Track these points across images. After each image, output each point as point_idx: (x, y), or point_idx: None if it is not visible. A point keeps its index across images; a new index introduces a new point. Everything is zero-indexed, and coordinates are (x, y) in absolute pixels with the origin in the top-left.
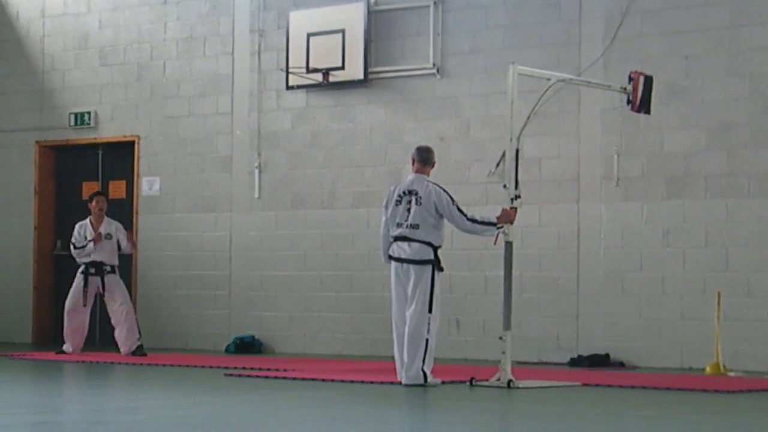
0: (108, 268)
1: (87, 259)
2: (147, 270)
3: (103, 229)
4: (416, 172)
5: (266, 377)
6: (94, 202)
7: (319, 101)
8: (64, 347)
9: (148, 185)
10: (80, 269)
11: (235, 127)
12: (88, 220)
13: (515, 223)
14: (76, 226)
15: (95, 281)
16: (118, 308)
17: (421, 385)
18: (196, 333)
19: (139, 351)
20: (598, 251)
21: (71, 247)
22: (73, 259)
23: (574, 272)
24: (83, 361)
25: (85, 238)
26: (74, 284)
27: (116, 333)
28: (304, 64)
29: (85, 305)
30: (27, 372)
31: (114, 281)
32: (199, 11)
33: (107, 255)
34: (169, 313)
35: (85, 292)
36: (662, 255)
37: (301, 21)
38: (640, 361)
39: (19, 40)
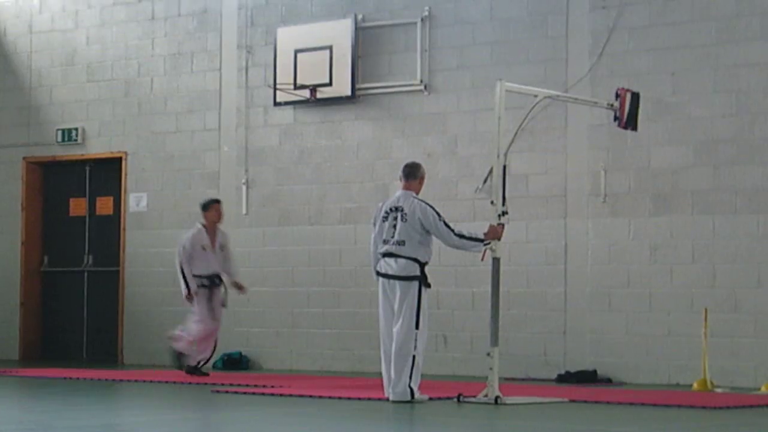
0: (218, 280)
1: (206, 272)
2: (134, 286)
3: (218, 240)
4: (404, 188)
5: (253, 394)
6: (213, 211)
7: (307, 117)
8: (193, 362)
9: (135, 201)
10: (198, 283)
11: (223, 144)
12: (201, 228)
13: (502, 239)
14: (190, 236)
15: (217, 293)
16: (218, 320)
17: (408, 402)
18: None
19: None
20: (585, 267)
21: (180, 256)
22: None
23: (561, 288)
24: (71, 378)
25: (203, 248)
26: (198, 299)
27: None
28: (291, 81)
29: (215, 318)
30: (14, 389)
31: (221, 293)
32: (187, 28)
33: (220, 266)
34: (156, 330)
35: (211, 305)
36: (649, 271)
37: (288, 37)
38: (627, 377)
39: (7, 56)
